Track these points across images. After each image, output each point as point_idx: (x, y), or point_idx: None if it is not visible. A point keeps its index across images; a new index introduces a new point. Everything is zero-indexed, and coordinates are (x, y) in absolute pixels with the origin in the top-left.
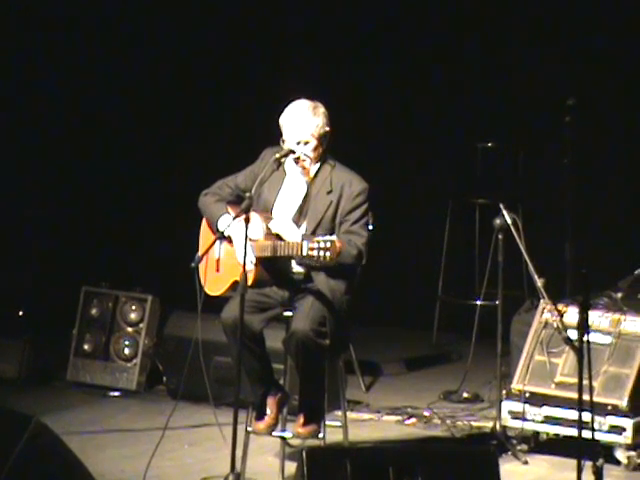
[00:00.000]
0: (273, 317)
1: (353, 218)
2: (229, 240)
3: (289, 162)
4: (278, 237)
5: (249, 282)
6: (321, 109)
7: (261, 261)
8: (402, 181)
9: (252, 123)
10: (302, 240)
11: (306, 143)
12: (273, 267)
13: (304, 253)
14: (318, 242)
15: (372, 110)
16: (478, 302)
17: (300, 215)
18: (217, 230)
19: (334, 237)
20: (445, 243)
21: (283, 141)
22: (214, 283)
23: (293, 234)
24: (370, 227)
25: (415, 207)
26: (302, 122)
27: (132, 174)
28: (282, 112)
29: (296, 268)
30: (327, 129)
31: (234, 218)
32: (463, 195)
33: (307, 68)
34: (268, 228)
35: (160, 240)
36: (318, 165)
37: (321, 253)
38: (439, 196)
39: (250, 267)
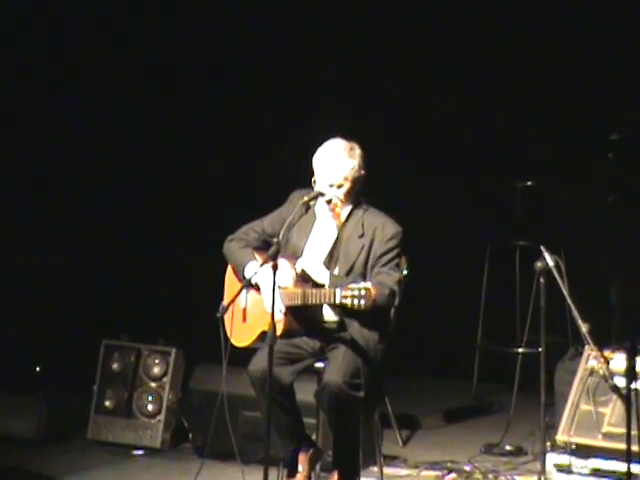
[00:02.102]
0: (304, 369)
1: (384, 260)
2: (256, 288)
3: (319, 205)
4: (307, 282)
5: (278, 332)
6: (357, 151)
7: (291, 310)
8: (438, 224)
9: (281, 164)
10: (335, 288)
11: (339, 186)
12: (303, 316)
13: (337, 301)
14: (352, 289)
15: (406, 150)
16: (519, 350)
17: (331, 260)
18: (243, 277)
19: (369, 284)
20: (484, 288)
21: (314, 182)
22: (241, 334)
23: (321, 274)
24: (404, 272)
25: (452, 251)
26: (336, 164)
27: (152, 219)
28: (314, 153)
29: (328, 317)
30: (362, 172)
31: (261, 265)
32: (502, 237)
33: (340, 105)
34: (298, 274)
35: (183, 289)
36: (350, 208)
37: (355, 301)
38: (477, 239)
39: (279, 316)
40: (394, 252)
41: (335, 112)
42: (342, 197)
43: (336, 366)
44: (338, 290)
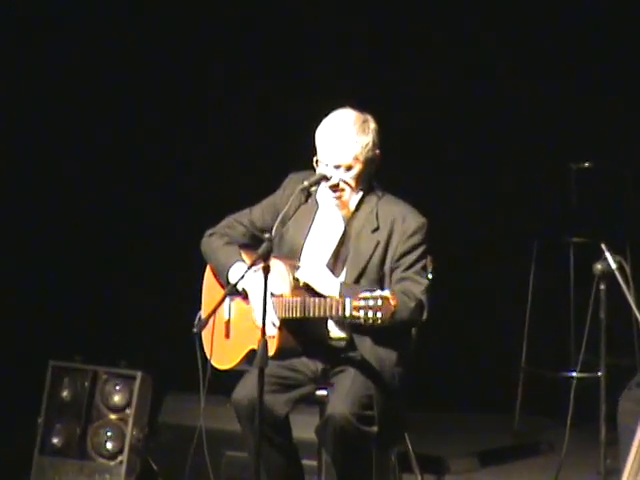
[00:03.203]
0: (302, 397)
1: (407, 262)
2: (243, 296)
3: (322, 191)
4: (310, 291)
5: (270, 352)
6: (371, 124)
7: (286, 324)
8: (472, 216)
9: (274, 141)
10: (344, 297)
11: (348, 168)
12: (303, 331)
13: (347, 313)
14: (366, 299)
15: (426, 128)
16: (574, 374)
17: (337, 261)
18: (227, 283)
19: (387, 292)
20: (530, 296)
21: (317, 162)
22: (223, 353)
23: (330, 286)
24: (429, 275)
25: (487, 250)
26: (345, 140)
27: (116, 214)
28: (318, 125)
29: (334, 333)
30: (377, 152)
31: (249, 267)
32: (553, 232)
33: (349, 73)
34: (296, 279)
35: (150, 298)
36: (360, 195)
37: (370, 314)
38: (520, 235)
39: (272, 332)
40: (419, 251)
41: (342, 79)
42: (351, 181)
43: (343, 394)
44: (348, 300)
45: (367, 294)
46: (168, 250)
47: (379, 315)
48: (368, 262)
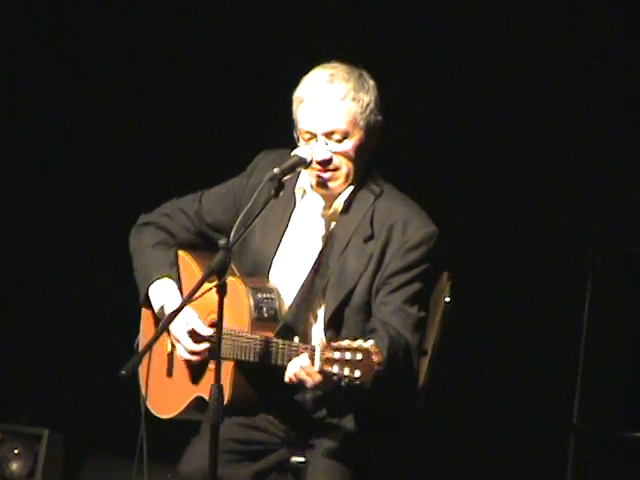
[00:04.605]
0: (273, 468)
1: (397, 283)
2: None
3: (302, 181)
4: (274, 320)
5: (224, 401)
6: (370, 81)
7: (242, 367)
8: (503, 222)
9: (232, 108)
10: (311, 344)
11: (344, 137)
12: (264, 375)
13: (316, 366)
14: (340, 350)
15: (442, 103)
16: None
17: (315, 282)
18: (145, 300)
19: (370, 343)
20: (584, 329)
21: (298, 136)
22: (165, 396)
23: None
24: (447, 299)
25: (529, 263)
26: (339, 97)
27: (27, 224)
28: (296, 85)
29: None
30: (379, 118)
31: (185, 302)
32: (614, 239)
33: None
34: (258, 308)
35: (64, 331)
36: (351, 189)
37: (346, 371)
38: (572, 244)
39: (185, 354)
40: (416, 271)
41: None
42: (350, 156)
43: (326, 464)
44: (318, 350)
45: (344, 343)
46: (95, 267)
47: (357, 374)
48: (356, 284)
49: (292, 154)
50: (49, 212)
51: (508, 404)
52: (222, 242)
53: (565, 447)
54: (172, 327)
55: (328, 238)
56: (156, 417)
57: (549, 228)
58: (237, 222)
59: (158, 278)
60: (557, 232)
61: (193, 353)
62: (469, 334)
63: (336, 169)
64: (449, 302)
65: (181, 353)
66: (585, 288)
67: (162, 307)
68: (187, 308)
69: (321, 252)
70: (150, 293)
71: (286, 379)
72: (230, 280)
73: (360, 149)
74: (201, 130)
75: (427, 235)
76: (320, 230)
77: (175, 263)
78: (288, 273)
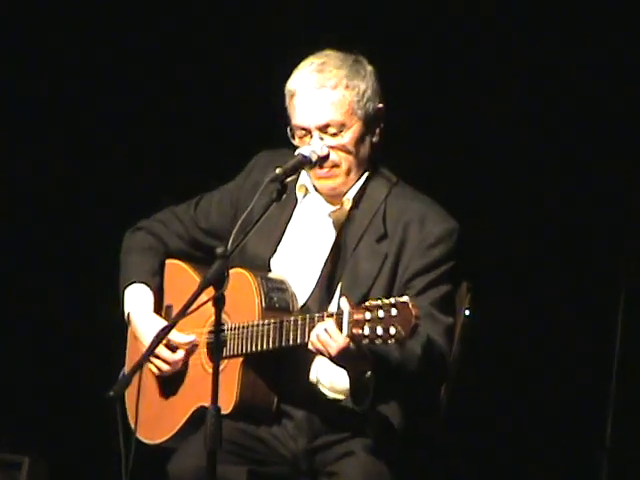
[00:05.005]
0: (270, 478)
1: (421, 285)
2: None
3: (303, 180)
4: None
5: (226, 408)
6: (367, 66)
7: (253, 362)
8: (531, 226)
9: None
10: (337, 309)
11: (341, 129)
12: (275, 376)
13: (344, 332)
14: (372, 309)
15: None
16: None
17: (324, 287)
18: (121, 306)
19: (405, 297)
20: (617, 344)
21: (293, 135)
22: (157, 419)
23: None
24: (466, 312)
25: (554, 279)
26: (332, 86)
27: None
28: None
29: (325, 381)
30: (379, 105)
31: (190, 303)
32: None
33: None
34: (268, 297)
35: (41, 348)
36: (361, 182)
37: (379, 330)
38: (601, 257)
39: (232, 374)
40: (442, 270)
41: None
42: (349, 150)
43: None
44: (346, 312)
45: (375, 302)
46: (78, 280)
47: (392, 331)
48: (370, 288)
49: (296, 153)
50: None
51: (539, 427)
52: (219, 250)
53: (598, 471)
54: (144, 340)
55: (336, 239)
56: (145, 445)
57: (581, 241)
58: (235, 228)
59: (134, 282)
60: (589, 246)
61: (170, 363)
62: (498, 351)
63: (335, 166)
64: (469, 316)
65: (160, 366)
66: (618, 304)
67: (129, 314)
68: (157, 319)
69: (330, 255)
70: (125, 297)
71: (309, 346)
72: (237, 271)
73: (360, 141)
74: (196, 132)
75: (447, 231)
76: (326, 231)
77: (157, 273)
78: (290, 278)
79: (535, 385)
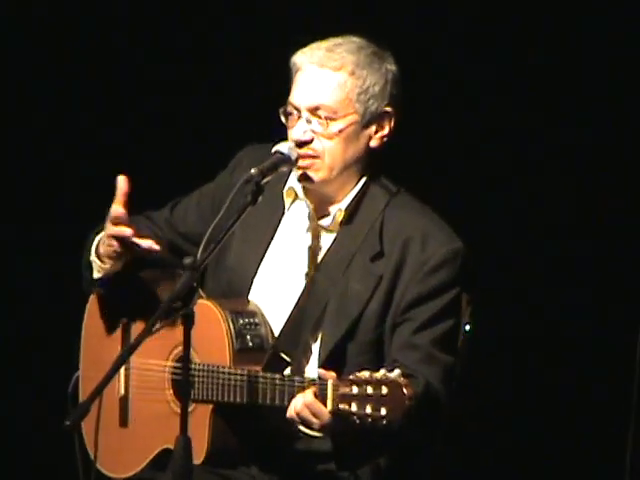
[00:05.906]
0: None
1: (421, 318)
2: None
3: (292, 179)
4: (260, 351)
5: (197, 458)
6: (387, 64)
7: (222, 411)
8: (547, 238)
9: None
10: (318, 378)
11: (333, 117)
12: (249, 421)
13: (329, 407)
14: (359, 384)
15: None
16: None
17: (307, 308)
18: (91, 282)
19: (397, 373)
20: (638, 374)
21: (286, 115)
22: (120, 451)
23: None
24: (466, 327)
25: (570, 298)
26: (328, 70)
27: None
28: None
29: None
30: (389, 109)
31: (143, 334)
32: None
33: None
34: (241, 337)
35: None
36: (356, 191)
37: (367, 409)
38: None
39: (202, 420)
40: (444, 299)
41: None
42: (333, 141)
43: None
44: (330, 383)
45: (364, 374)
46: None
47: (383, 412)
48: (361, 314)
49: (273, 151)
50: None
51: (555, 462)
52: (187, 261)
53: None
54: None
55: (325, 254)
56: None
57: (599, 260)
58: (206, 236)
59: (93, 239)
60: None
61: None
62: (512, 373)
63: (316, 156)
64: (469, 332)
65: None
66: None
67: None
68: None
69: (316, 271)
70: (91, 260)
71: (287, 415)
72: (202, 304)
73: (350, 137)
74: (191, 132)
75: (451, 253)
76: (315, 244)
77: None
78: (273, 297)
79: (555, 424)
